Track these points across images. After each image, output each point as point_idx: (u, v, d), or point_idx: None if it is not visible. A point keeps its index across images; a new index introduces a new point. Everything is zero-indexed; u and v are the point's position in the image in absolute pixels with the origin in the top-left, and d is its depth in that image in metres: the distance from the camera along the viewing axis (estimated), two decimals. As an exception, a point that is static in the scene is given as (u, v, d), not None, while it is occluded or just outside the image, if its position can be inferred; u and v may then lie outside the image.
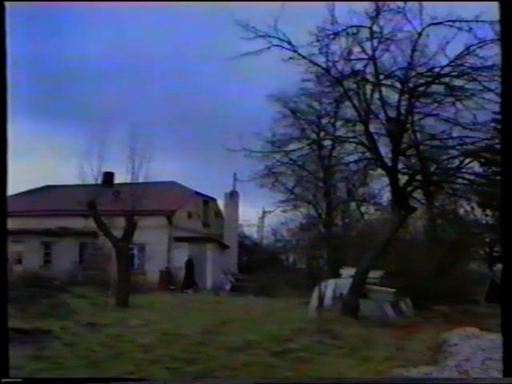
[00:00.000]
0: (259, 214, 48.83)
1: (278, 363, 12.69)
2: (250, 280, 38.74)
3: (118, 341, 14.72)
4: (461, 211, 38.14)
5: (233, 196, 44.95)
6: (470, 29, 22.38)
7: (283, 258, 50.75)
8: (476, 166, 29.05)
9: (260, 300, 30.92)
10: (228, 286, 38.47)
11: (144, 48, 49.27)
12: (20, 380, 7.41)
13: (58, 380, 9.62)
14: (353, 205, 42.92)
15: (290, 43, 23.08)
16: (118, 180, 39.69)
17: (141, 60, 49.90)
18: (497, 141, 29.16)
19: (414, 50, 23.87)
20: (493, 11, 21.30)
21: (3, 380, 6.66)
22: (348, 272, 26.33)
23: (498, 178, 37.03)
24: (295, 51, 23.26)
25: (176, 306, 24.78)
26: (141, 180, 29.29)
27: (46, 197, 42.68)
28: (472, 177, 27.26)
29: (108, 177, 39.74)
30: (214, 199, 46.96)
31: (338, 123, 29.64)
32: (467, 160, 26.34)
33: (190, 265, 37.43)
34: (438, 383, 10.13)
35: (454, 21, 22.47)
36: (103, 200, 28.35)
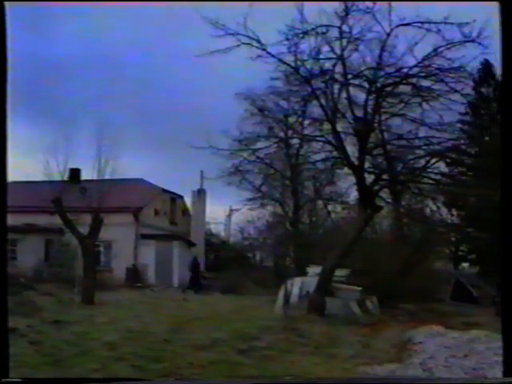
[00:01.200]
0: (226, 211, 48.74)
1: (244, 361, 12.72)
2: (217, 278, 38.64)
3: (84, 338, 14.62)
4: (427, 211, 38.47)
5: (200, 194, 44.77)
6: (439, 30, 22.62)
7: (250, 256, 50.73)
8: (442, 166, 29.38)
9: (227, 298, 30.87)
10: (193, 284, 38.31)
11: (112, 45, 48.85)
12: (20, 380, 7.39)
13: (59, 380, 9.57)
14: (320, 203, 43.06)
15: (259, 41, 23.11)
16: (84, 176, 39.33)
17: (108, 57, 49.47)
18: (462, 141, 29.53)
19: (382, 51, 24.05)
20: (461, 13, 21.61)
21: (3, 380, 6.60)
22: (314, 270, 26.41)
23: (464, 177, 37.57)
24: (264, 49, 23.29)
25: (142, 303, 24.64)
26: (107, 177, 29.09)
27: (10, 193, 42.03)
28: (438, 177, 27.56)
29: (74, 173, 39.36)
30: (181, 197, 46.74)
31: (306, 122, 29.66)
32: (433, 160, 26.61)
33: (195, 264, 37.35)
34: (438, 383, 10.21)
35: (422, 22, 22.69)
36: (69, 196, 28.06)
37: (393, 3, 22.59)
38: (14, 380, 6.98)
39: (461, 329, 18.95)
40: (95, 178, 29.39)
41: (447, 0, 19.51)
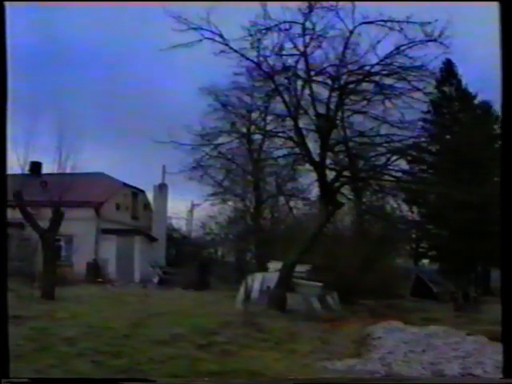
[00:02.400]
0: (188, 206, 48.65)
1: (204, 356, 12.70)
2: (178, 273, 38.55)
3: (43, 334, 14.46)
4: (388, 207, 38.82)
5: (162, 188, 44.53)
6: (401, 29, 22.83)
7: (212, 251, 50.72)
8: (403, 164, 29.66)
9: (188, 293, 30.80)
10: (156, 279, 38.14)
11: (75, 37, 48.38)
12: (21, 380, 7.37)
13: (60, 380, 9.52)
14: (282, 199, 43.17)
15: (221, 36, 23.13)
16: (45, 170, 38.96)
17: (71, 49, 49.00)
18: (423, 139, 29.84)
19: (345, 48, 24.21)
20: (423, 13, 21.84)
21: (3, 380, 6.57)
22: (275, 266, 26.48)
23: (425, 175, 37.98)
24: (227, 45, 23.29)
25: (103, 298, 24.47)
26: (68, 170, 28.80)
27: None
28: (399, 174, 27.82)
29: (35, 166, 39.00)
30: (142, 191, 46.51)
31: (269, 118, 29.74)
32: (394, 157, 26.84)
33: (206, 263, 37.24)
34: (440, 383, 10.32)
35: (385, 21, 22.92)
36: (30, 190, 27.74)
37: (356, 2, 22.80)
38: (15, 380, 6.97)
39: (420, 324, 19.19)
40: (56, 171, 29.10)
41: (447, 0, 19.69)
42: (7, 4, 5.88)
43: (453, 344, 14.74)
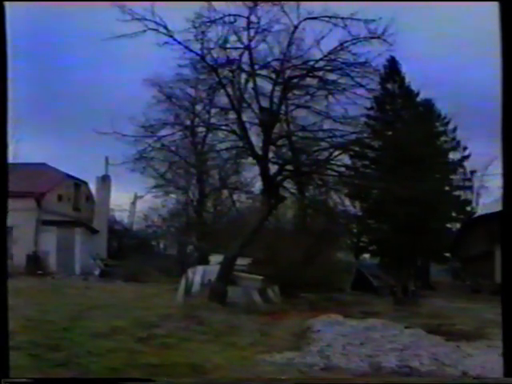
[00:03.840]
0: (131, 199, 48.37)
1: (143, 349, 12.65)
2: (120, 265, 38.29)
3: (-21, 326, 14.19)
4: (330, 202, 39.13)
5: (105, 180, 44.09)
6: (345, 25, 23.00)
7: (154, 244, 50.54)
8: (346, 159, 29.95)
9: (129, 286, 30.64)
10: (97, 272, 37.79)
11: (15, 25, 47.34)
12: (21, 380, 7.26)
13: (60, 380, 9.38)
14: (225, 192, 43.22)
15: (166, 28, 22.90)
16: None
17: (11, 37, 47.92)
18: (366, 135, 30.18)
19: (289, 43, 24.28)
20: (367, 10, 22.09)
21: (3, 380, 6.47)
22: (217, 259, 26.49)
23: (367, 170, 38.46)
24: (171, 36, 23.10)
25: (42, 291, 24.15)
26: (9, 161, 28.31)
27: None
28: (341, 169, 28.07)
29: (-27, 155, 38.28)
30: (85, 183, 46.04)
31: (213, 111, 29.67)
32: (337, 152, 27.08)
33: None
34: (439, 383, 10.42)
35: (329, 17, 23.02)
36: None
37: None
38: (15, 380, 6.85)
39: (359, 317, 19.44)
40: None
41: (446, 0, 19.81)
42: (7, 4, 5.87)
43: (390, 337, 14.96)
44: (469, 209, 53.56)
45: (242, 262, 26.14)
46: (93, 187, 46.04)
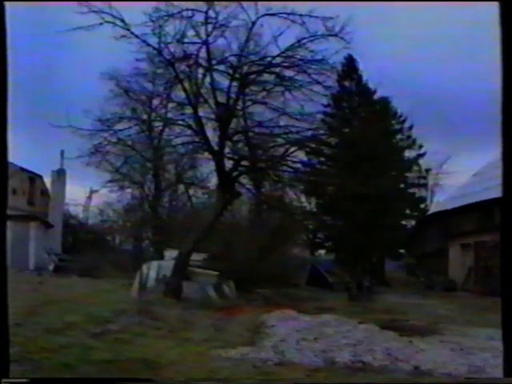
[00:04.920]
0: (86, 193, 48.00)
1: (96, 345, 12.52)
2: (75, 260, 37.97)
3: None
4: (286, 198, 39.28)
5: (60, 174, 43.65)
6: (303, 23, 23.05)
7: (109, 239, 50.23)
8: (302, 155, 30.06)
9: (83, 281, 30.38)
10: (51, 267, 37.41)
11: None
12: (21, 380, 7.11)
13: (60, 380, 9.19)
14: (181, 187, 43.17)
15: (123, 21, 22.67)
16: None
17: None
18: (322, 132, 30.33)
19: (247, 39, 24.28)
20: (325, 8, 22.19)
21: (3, 380, 6.35)
22: (172, 254, 26.47)
23: (323, 167, 38.65)
24: (128, 30, 22.89)
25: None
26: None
27: None
28: (297, 165, 28.15)
29: None
30: (40, 176, 45.54)
31: (170, 105, 29.56)
32: (292, 148, 27.16)
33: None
34: (438, 382, 10.43)
35: (288, 13, 23.06)
36: None
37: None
38: (15, 380, 6.71)
39: (313, 313, 19.54)
40: None
41: (447, 0, 19.74)
42: (7, 4, 5.78)
43: (344, 332, 15.05)
44: (423, 206, 54.33)
45: (197, 257, 26.15)
46: (48, 181, 45.56)
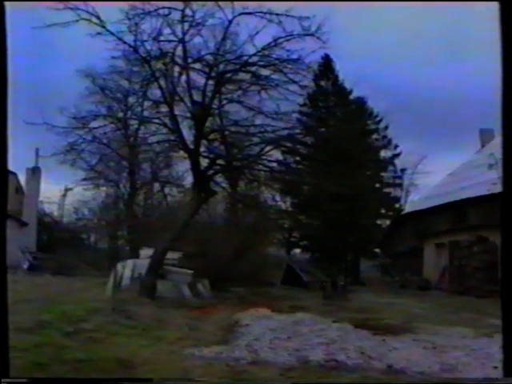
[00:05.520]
0: (61, 191, 47.70)
1: (70, 344, 12.48)
2: (49, 259, 37.73)
3: None
4: (262, 197, 39.34)
5: (34, 171, 43.33)
6: (280, 22, 23.10)
7: (84, 237, 49.99)
8: (278, 154, 30.11)
9: (58, 279, 30.21)
10: (26, 265, 37.16)
11: None
12: (21, 380, 7.08)
13: (60, 380, 9.11)
14: (156, 186, 43.11)
15: (98, 18, 22.57)
16: None
17: None
18: (298, 131, 30.40)
19: (224, 37, 24.29)
20: (301, 7, 22.25)
21: (3, 380, 6.32)
22: (147, 252, 26.38)
23: (299, 166, 38.73)
24: (104, 27, 22.79)
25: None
26: None
27: None
28: (273, 164, 28.21)
29: None
30: (14, 174, 45.13)
31: (146, 103, 29.47)
32: (268, 147, 27.21)
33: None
34: (437, 383, 10.45)
35: (264, 12, 23.09)
36: None
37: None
38: (15, 380, 6.66)
39: (287, 312, 19.56)
40: None
41: (445, 0, 19.76)
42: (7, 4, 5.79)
43: (318, 331, 15.10)
44: (398, 206, 54.63)
45: (172, 255, 26.12)
46: (22, 179, 45.21)
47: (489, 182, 34.28)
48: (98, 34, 22.82)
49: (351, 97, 47.87)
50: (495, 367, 10.93)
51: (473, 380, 10.42)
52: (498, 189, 32.40)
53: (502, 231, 6.40)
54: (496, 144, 43.17)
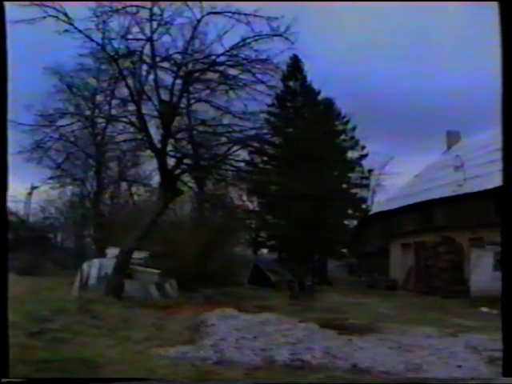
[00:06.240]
0: (27, 189, 47.20)
1: (35, 344, 12.37)
2: (15, 258, 37.32)
3: None
4: (229, 197, 39.34)
5: (0, 170, 42.79)
6: (248, 22, 23.13)
7: (51, 237, 49.53)
8: (245, 154, 30.15)
9: (23, 279, 29.85)
10: (-10, 265, 36.69)
11: None
12: (20, 380, 7.00)
13: (60, 380, 8.97)
14: (124, 185, 42.89)
15: (66, 15, 22.36)
16: None
17: None
18: (266, 131, 30.46)
19: (192, 37, 24.27)
20: (270, 8, 22.31)
21: (3, 380, 6.26)
22: (114, 252, 26.21)
23: (267, 166, 38.81)
24: (71, 24, 22.59)
25: None
26: None
27: None
28: (240, 164, 28.24)
29: None
30: (-21, 172, 44.62)
31: (114, 102, 29.33)
32: (236, 147, 27.24)
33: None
34: (437, 383, 10.43)
35: (233, 12, 23.09)
36: None
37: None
38: (15, 380, 6.58)
39: (254, 312, 19.60)
40: None
41: (444, 0, 19.66)
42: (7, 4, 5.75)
43: (284, 331, 15.15)
44: (365, 206, 54.96)
45: (139, 255, 26.01)
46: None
47: (454, 183, 34.68)
48: (66, 31, 22.62)
49: (319, 97, 48.04)
50: (459, 366, 11.07)
51: (473, 381, 10.44)
52: (464, 190, 32.90)
53: (502, 230, 6.47)
54: (462, 146, 43.72)
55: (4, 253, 6.26)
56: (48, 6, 21.93)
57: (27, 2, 21.51)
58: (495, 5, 6.55)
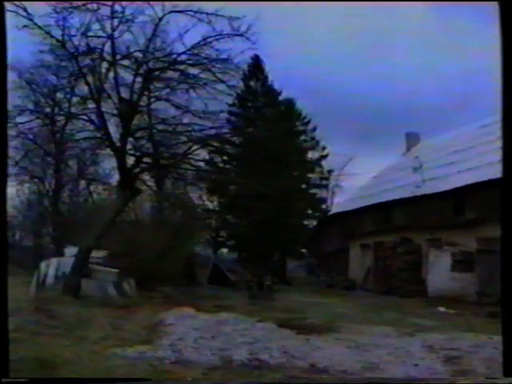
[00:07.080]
0: (-17, 187, 46.57)
1: (-11, 344, 12.19)
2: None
3: None
4: (189, 196, 39.23)
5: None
6: (209, 21, 23.15)
7: (9, 235, 48.93)
8: (205, 154, 30.10)
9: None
10: None
11: None
12: (20, 380, 6.82)
13: (59, 380, 8.76)
14: (82, 183, 42.55)
15: (25, 11, 22.09)
16: None
17: None
18: (225, 130, 30.46)
19: (153, 35, 24.20)
20: (231, 8, 22.32)
21: (3, 380, 6.11)
22: (72, 251, 26.03)
23: (227, 166, 38.80)
24: (31, 20, 22.33)
25: None
26: None
27: None
28: (199, 163, 28.20)
29: None
30: None
31: (74, 99, 29.07)
32: (195, 147, 27.19)
33: None
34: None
35: (194, 11, 23.09)
36: None
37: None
38: (15, 380, 6.41)
39: (212, 311, 19.58)
40: None
41: (440, 0, 19.67)
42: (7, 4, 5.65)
43: (242, 330, 15.17)
44: (324, 207, 55.23)
45: (97, 254, 25.85)
46: None
47: (413, 184, 35.01)
48: (25, 26, 22.35)
49: (280, 98, 48.19)
50: (416, 365, 11.18)
51: (473, 381, 10.44)
52: (422, 191, 33.23)
53: (503, 230, 6.51)
54: (421, 148, 44.14)
55: (4, 253, 6.20)
56: (7, 1, 21.62)
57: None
58: (491, 5, 6.62)
